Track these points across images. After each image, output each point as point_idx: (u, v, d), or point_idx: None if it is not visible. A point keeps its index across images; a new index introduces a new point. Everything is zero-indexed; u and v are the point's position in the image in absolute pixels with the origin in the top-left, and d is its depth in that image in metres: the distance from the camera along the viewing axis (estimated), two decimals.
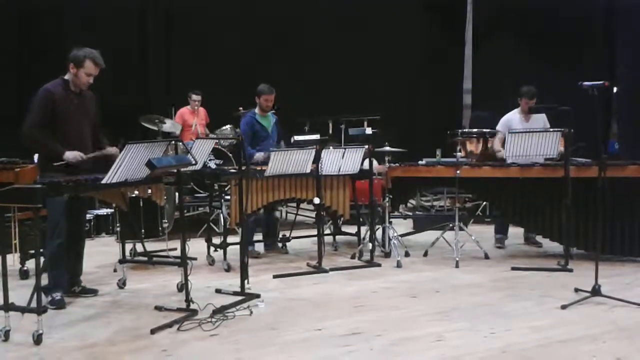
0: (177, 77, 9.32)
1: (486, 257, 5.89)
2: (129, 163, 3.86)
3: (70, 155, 4.27)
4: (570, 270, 5.31)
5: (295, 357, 3.46)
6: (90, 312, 4.29)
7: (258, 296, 4.53)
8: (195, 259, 5.64)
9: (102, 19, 8.65)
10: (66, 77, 4.39)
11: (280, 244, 6.43)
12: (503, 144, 6.35)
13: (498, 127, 6.57)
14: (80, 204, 4.60)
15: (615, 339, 3.68)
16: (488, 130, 7.70)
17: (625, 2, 9.39)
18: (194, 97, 8.36)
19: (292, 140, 6.21)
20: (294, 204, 6.83)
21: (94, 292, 4.75)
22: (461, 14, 10.98)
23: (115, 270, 5.37)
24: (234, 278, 4.95)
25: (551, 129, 5.39)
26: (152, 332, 3.80)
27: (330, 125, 8.06)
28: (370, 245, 5.78)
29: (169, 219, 6.28)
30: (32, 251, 5.17)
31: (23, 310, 3.83)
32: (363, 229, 6.26)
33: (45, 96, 4.27)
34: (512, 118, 6.45)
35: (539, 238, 6.39)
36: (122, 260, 5.02)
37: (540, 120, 6.38)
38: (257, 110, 6.23)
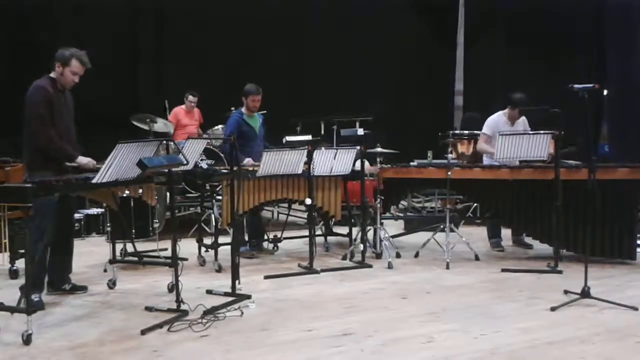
0: (168, 76, 9.29)
1: (477, 258, 5.91)
2: (119, 163, 3.84)
3: (84, 160, 4.33)
4: (560, 272, 5.34)
5: (286, 357, 3.46)
6: (80, 312, 4.27)
7: (249, 297, 4.52)
8: (186, 259, 5.64)
9: (93, 19, 8.61)
10: (52, 75, 4.37)
11: (271, 245, 6.42)
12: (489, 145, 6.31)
13: (485, 130, 6.44)
14: (69, 202, 4.57)
15: (605, 340, 3.70)
16: (479, 132, 7.69)
17: (615, 4, 9.44)
18: (191, 97, 8.34)
19: (284, 140, 6.20)
20: (286, 205, 6.82)
21: (83, 289, 4.75)
22: (453, 16, 11.02)
23: (105, 270, 5.35)
24: (224, 279, 4.94)
25: (541, 132, 5.39)
26: (143, 332, 3.79)
27: (322, 126, 8.08)
28: (361, 246, 5.79)
29: (159, 219, 6.26)
30: (22, 250, 5.13)
31: (12, 310, 3.81)
32: (354, 230, 6.27)
33: (43, 93, 4.24)
34: (499, 120, 6.36)
35: (529, 239, 6.41)
36: (113, 261, 5.01)
37: (521, 122, 6.38)
38: (243, 109, 6.17)
